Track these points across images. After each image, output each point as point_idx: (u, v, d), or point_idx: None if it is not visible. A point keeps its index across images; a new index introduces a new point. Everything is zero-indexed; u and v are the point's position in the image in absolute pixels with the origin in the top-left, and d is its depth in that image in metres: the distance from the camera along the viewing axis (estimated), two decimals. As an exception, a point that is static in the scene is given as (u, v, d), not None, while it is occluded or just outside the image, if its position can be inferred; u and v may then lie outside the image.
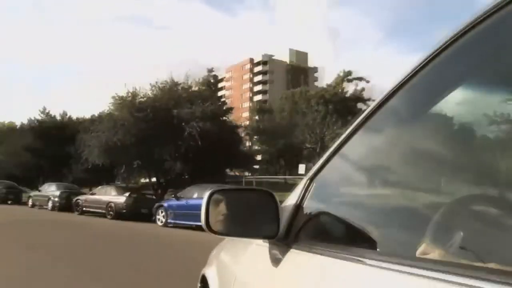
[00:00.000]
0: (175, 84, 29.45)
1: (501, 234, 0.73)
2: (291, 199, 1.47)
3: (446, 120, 0.99)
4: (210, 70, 31.73)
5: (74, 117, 52.32)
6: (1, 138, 54.57)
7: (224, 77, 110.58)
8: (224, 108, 32.67)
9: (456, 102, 0.93)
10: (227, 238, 2.16)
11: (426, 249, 0.79)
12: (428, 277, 0.68)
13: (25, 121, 53.28)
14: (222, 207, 1.47)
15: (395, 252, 0.93)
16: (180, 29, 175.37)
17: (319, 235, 1.35)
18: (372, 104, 1.14)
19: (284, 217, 1.40)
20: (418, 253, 0.81)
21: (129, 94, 28.24)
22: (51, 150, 42.90)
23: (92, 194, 22.24)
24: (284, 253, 1.32)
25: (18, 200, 29.31)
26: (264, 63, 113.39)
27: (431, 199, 0.96)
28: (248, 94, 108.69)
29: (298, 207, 1.41)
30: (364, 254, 0.94)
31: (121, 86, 33.28)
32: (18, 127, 57.21)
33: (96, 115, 34.64)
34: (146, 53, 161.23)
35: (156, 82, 29.10)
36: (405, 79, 1.00)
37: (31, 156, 44.13)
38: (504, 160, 0.77)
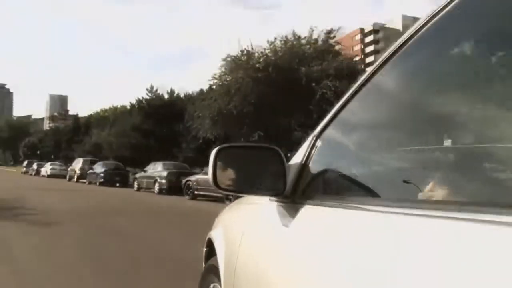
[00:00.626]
0: (298, 38, 23.92)
1: (499, 181, 0.79)
2: (298, 157, 1.47)
3: (449, 76, 1.01)
4: (329, 32, 25.99)
5: (181, 94, 50.19)
6: (112, 121, 54.66)
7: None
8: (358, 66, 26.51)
9: (459, 60, 0.98)
10: (233, 202, 2.40)
11: (431, 194, 0.86)
12: (429, 216, 0.75)
13: (134, 102, 52.24)
14: (229, 164, 1.48)
15: (398, 198, 0.97)
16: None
17: (326, 190, 1.35)
18: (376, 62, 1.17)
19: (291, 174, 1.41)
20: (421, 195, 0.89)
21: (244, 53, 23.31)
22: (160, 129, 40.88)
23: (205, 174, 17.61)
24: (290, 209, 1.34)
25: (125, 182, 26.36)
26: (375, 32, 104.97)
27: (435, 153, 1.00)
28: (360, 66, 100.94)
29: (304, 164, 1.41)
30: (371, 202, 1.01)
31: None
32: (128, 108, 56.60)
33: (205, 89, 30.65)
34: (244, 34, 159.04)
35: (275, 38, 23.82)
36: (410, 35, 1.05)
37: (140, 136, 42.23)
38: (505, 112, 0.80)
